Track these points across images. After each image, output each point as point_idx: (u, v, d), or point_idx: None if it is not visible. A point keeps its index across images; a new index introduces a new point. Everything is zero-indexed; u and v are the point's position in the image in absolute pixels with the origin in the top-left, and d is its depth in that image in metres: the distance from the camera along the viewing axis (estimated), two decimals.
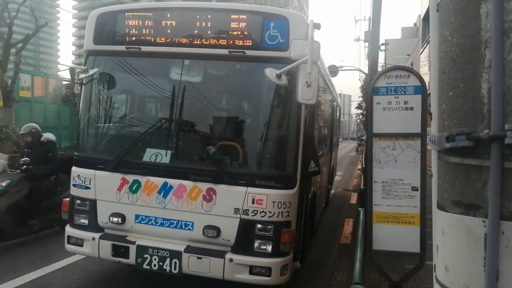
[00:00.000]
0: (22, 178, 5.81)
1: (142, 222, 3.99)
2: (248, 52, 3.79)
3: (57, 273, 4.90)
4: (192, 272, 3.80)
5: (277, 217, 3.71)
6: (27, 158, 5.96)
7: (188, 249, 3.81)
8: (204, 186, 3.81)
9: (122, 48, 4.10)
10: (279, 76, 3.54)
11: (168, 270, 3.81)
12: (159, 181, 3.92)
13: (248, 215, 3.73)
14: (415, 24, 36.34)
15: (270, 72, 3.54)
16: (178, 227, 3.89)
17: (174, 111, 4.01)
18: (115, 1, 66.50)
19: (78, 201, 4.23)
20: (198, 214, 3.82)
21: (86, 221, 4.20)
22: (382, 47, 27.56)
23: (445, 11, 1.67)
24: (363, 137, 34.03)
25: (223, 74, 4.30)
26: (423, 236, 3.45)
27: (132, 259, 3.92)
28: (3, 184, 5.57)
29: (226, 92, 4.53)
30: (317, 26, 3.45)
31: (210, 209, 3.80)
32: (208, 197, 3.81)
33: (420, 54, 21.65)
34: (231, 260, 3.72)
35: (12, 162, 6.53)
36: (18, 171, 5.92)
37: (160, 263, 3.82)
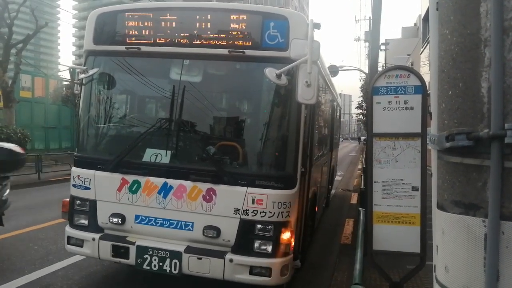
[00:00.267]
0: None
1: (142, 222, 3.98)
2: (248, 52, 3.78)
3: (57, 274, 4.90)
4: (192, 273, 3.79)
5: (277, 217, 3.71)
6: None
7: (188, 250, 3.81)
8: (204, 186, 3.81)
9: (122, 48, 4.10)
10: (279, 76, 3.53)
11: (168, 271, 3.81)
12: (159, 181, 3.92)
13: (248, 215, 3.72)
14: (415, 24, 36.36)
15: (270, 72, 3.53)
16: (178, 227, 3.88)
17: (174, 111, 4.01)
18: (115, 1, 66.54)
19: (78, 202, 4.23)
20: (198, 214, 3.82)
21: (86, 222, 4.20)
22: (383, 47, 27.60)
23: (445, 9, 1.66)
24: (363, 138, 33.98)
25: (223, 74, 4.29)
26: (423, 236, 3.44)
27: (132, 259, 3.92)
28: None
29: (226, 92, 4.52)
30: (317, 25, 3.44)
31: (210, 209, 3.79)
32: (208, 197, 3.80)
33: (421, 54, 21.66)
34: (231, 260, 3.72)
35: None
36: None
37: (160, 264, 3.82)
